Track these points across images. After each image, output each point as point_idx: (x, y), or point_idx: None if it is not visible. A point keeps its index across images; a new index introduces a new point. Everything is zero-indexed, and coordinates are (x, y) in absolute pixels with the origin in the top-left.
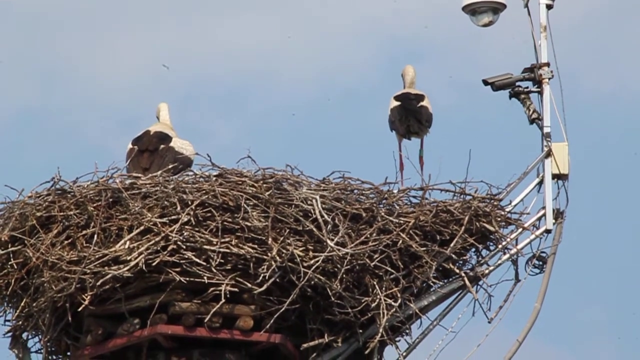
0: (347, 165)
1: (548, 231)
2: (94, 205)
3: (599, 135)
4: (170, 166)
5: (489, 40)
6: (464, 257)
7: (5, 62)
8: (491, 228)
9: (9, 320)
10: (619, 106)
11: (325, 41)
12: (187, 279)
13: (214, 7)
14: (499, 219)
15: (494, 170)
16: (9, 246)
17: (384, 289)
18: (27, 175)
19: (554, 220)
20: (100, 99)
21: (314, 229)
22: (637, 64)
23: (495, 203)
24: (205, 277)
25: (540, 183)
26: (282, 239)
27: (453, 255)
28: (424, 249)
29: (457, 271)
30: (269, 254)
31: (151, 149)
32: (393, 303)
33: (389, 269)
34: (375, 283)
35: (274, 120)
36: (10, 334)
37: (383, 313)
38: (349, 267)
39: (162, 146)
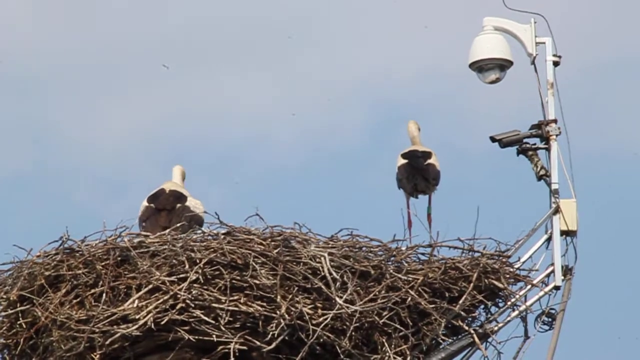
0: (349, 224)
1: (557, 288)
2: (102, 264)
3: (607, 192)
4: (180, 224)
5: (492, 97)
6: (473, 314)
7: None
8: (500, 285)
9: None
10: (625, 162)
11: (316, 102)
12: (196, 337)
13: (204, 72)
14: (507, 276)
15: (502, 227)
16: (18, 305)
17: (393, 346)
18: (19, 239)
19: (563, 277)
20: (90, 163)
21: (323, 287)
22: None
23: (503, 260)
24: (214, 336)
25: (549, 240)
26: (290, 296)
27: (462, 312)
28: (433, 306)
29: (466, 328)
30: (278, 312)
31: (168, 208)
32: None
33: (398, 326)
34: (384, 340)
35: (266, 184)
36: None
37: None
38: (357, 324)
39: (178, 205)
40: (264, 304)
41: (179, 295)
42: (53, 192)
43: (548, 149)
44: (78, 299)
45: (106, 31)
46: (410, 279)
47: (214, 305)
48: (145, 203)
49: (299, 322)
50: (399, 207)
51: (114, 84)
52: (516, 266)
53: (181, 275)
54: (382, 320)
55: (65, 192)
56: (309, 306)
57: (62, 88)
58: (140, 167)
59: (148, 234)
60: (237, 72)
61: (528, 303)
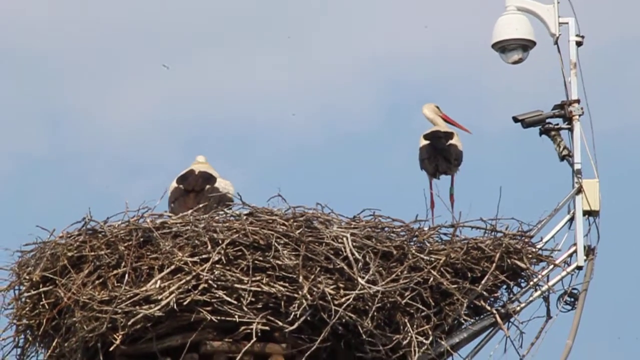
0: (370, 204)
1: (579, 268)
2: (125, 244)
3: (630, 171)
4: (203, 205)
5: (515, 77)
6: (495, 294)
7: (13, 108)
8: (522, 265)
9: None
10: None
11: (328, 84)
12: (218, 317)
13: (218, 53)
14: (530, 256)
15: (524, 207)
16: (41, 286)
17: (415, 326)
18: (38, 221)
19: (585, 257)
20: (107, 145)
21: (345, 267)
22: None
23: (526, 240)
24: (236, 316)
25: (571, 220)
26: (313, 277)
27: (484, 293)
28: (455, 286)
29: (489, 308)
30: (300, 293)
31: (197, 190)
32: (424, 340)
33: (420, 306)
34: (406, 320)
35: (283, 165)
36: None
37: (414, 350)
38: (380, 304)
39: (207, 186)
40: (286, 284)
41: (201, 276)
42: (71, 175)
43: (571, 129)
44: (100, 280)
45: (121, 13)
46: (433, 259)
47: (236, 285)
48: (174, 184)
49: (321, 302)
50: (422, 188)
51: (129, 66)
52: (538, 246)
53: (204, 256)
54: (404, 301)
55: (83, 174)
56: (331, 287)
57: (78, 70)
58: (158, 149)
59: (170, 214)
60: (252, 52)
61: (550, 283)
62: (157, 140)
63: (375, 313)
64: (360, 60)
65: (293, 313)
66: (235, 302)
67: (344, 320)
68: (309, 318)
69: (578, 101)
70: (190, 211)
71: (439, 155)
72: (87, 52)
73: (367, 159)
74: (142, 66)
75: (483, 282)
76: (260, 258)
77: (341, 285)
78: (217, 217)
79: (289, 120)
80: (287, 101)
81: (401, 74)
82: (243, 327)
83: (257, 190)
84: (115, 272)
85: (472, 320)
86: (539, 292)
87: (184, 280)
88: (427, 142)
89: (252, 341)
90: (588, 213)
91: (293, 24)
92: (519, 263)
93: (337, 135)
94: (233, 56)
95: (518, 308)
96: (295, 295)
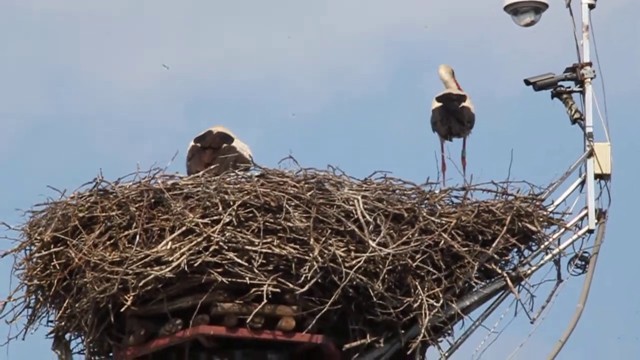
0: (381, 167)
1: (590, 231)
2: (136, 205)
3: None
4: (214, 166)
5: (527, 40)
6: (506, 258)
7: (17, 69)
8: (533, 228)
9: (51, 321)
10: None
11: (333, 48)
12: (229, 279)
13: (222, 16)
14: (541, 219)
15: (536, 171)
16: (52, 247)
17: (425, 289)
18: (45, 182)
19: (596, 221)
20: (111, 109)
21: (356, 230)
22: None
23: (537, 203)
24: (247, 278)
25: (583, 183)
26: (323, 239)
27: (495, 256)
28: (466, 249)
29: (499, 271)
30: (311, 255)
31: (214, 147)
32: (435, 303)
33: (431, 269)
34: (417, 283)
35: (285, 129)
36: (53, 334)
37: (425, 313)
38: (390, 267)
39: (224, 145)
40: (297, 246)
41: (212, 238)
42: (75, 137)
43: (582, 92)
44: (111, 241)
45: None
46: (444, 222)
47: (247, 247)
48: (191, 143)
49: (331, 264)
50: (433, 151)
51: (136, 29)
52: (550, 209)
53: (214, 218)
54: (415, 263)
55: (88, 137)
56: (342, 249)
57: (82, 34)
58: (162, 112)
59: (182, 175)
60: (257, 18)
61: (561, 246)
62: (161, 104)
63: (386, 276)
64: (369, 24)
65: (304, 275)
66: (246, 264)
67: (354, 283)
68: (319, 280)
69: (590, 64)
70: (201, 172)
71: (452, 117)
72: (95, 15)
73: (377, 121)
74: (149, 30)
75: (494, 245)
76: (271, 220)
77: (352, 247)
78: (228, 179)
79: (291, 85)
80: (293, 65)
81: (411, 35)
82: (254, 289)
83: (267, 152)
84: (126, 233)
85: (483, 284)
86: (549, 256)
87: (194, 242)
88: (439, 104)
89: (262, 303)
90: (599, 176)
91: None
92: (530, 226)
93: (348, 98)
94: (236, 21)
95: (529, 271)
96: (306, 257)
